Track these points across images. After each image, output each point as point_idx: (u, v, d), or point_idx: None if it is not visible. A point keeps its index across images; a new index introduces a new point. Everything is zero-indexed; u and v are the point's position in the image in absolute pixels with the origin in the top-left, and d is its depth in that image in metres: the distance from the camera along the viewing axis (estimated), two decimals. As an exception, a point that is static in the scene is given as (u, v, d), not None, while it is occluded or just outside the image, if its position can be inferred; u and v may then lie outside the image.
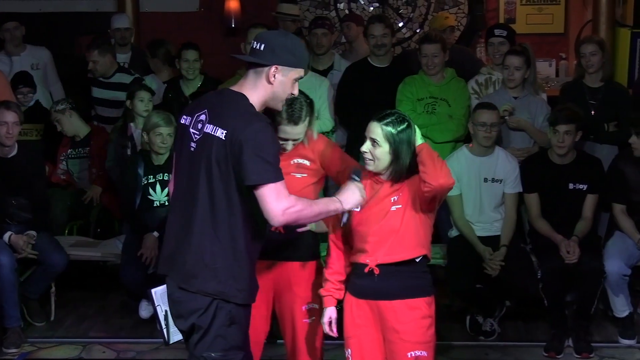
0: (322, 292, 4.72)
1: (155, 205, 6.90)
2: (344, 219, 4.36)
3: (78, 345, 6.63)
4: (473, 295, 6.59)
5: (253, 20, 8.58)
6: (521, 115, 7.06)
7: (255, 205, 3.98)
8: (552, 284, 6.38)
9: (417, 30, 10.34)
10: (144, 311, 6.86)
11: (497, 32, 7.69)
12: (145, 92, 7.56)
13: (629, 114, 6.88)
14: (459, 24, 10.10)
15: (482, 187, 6.63)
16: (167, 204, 6.64)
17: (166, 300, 4.27)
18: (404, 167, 4.40)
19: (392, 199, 4.43)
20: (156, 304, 4.37)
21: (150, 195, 6.89)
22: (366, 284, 4.51)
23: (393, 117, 4.41)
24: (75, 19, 10.23)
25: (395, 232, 4.42)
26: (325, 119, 7.32)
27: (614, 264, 6.39)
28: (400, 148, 4.37)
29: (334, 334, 4.69)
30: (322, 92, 7.41)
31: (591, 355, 6.32)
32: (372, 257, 4.47)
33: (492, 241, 6.58)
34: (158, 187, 6.90)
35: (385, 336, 4.51)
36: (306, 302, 5.01)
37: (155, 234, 6.70)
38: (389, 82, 7.34)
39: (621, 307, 6.51)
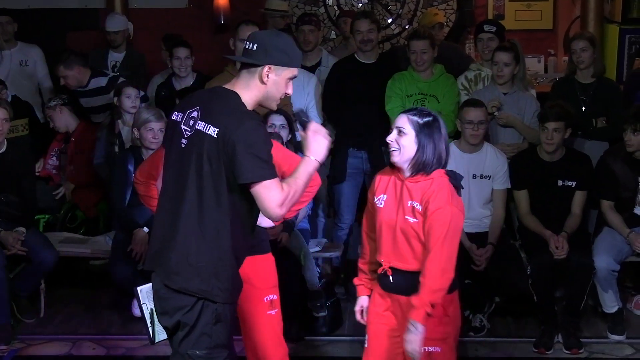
0: (355, 281, 4.77)
1: (145, 201, 6.88)
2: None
3: (68, 341, 6.62)
4: (462, 291, 6.58)
5: (242, 17, 8.54)
6: (510, 111, 7.07)
7: (243, 204, 4.00)
8: (541, 280, 6.39)
9: (406, 27, 10.34)
10: (137, 309, 6.82)
11: (486, 27, 7.70)
12: (132, 89, 7.54)
13: (620, 110, 6.91)
14: (448, 20, 10.11)
15: (470, 183, 6.62)
16: (157, 200, 6.63)
17: (152, 297, 4.26)
18: (428, 161, 4.38)
19: (410, 202, 4.40)
20: (142, 302, 4.37)
21: (140, 191, 6.87)
22: (385, 278, 4.55)
23: (419, 110, 4.47)
24: (64, 15, 10.21)
25: (408, 243, 4.42)
26: (313, 116, 7.29)
27: (603, 260, 6.40)
28: (425, 138, 4.36)
29: (365, 322, 4.70)
30: (310, 89, 7.42)
31: (581, 351, 6.34)
32: (386, 259, 4.50)
33: (481, 237, 6.59)
34: (148, 183, 6.88)
35: (404, 328, 4.48)
36: (266, 294, 5.03)
37: (145, 229, 6.69)
38: (375, 78, 7.33)
39: (610, 302, 6.53)
